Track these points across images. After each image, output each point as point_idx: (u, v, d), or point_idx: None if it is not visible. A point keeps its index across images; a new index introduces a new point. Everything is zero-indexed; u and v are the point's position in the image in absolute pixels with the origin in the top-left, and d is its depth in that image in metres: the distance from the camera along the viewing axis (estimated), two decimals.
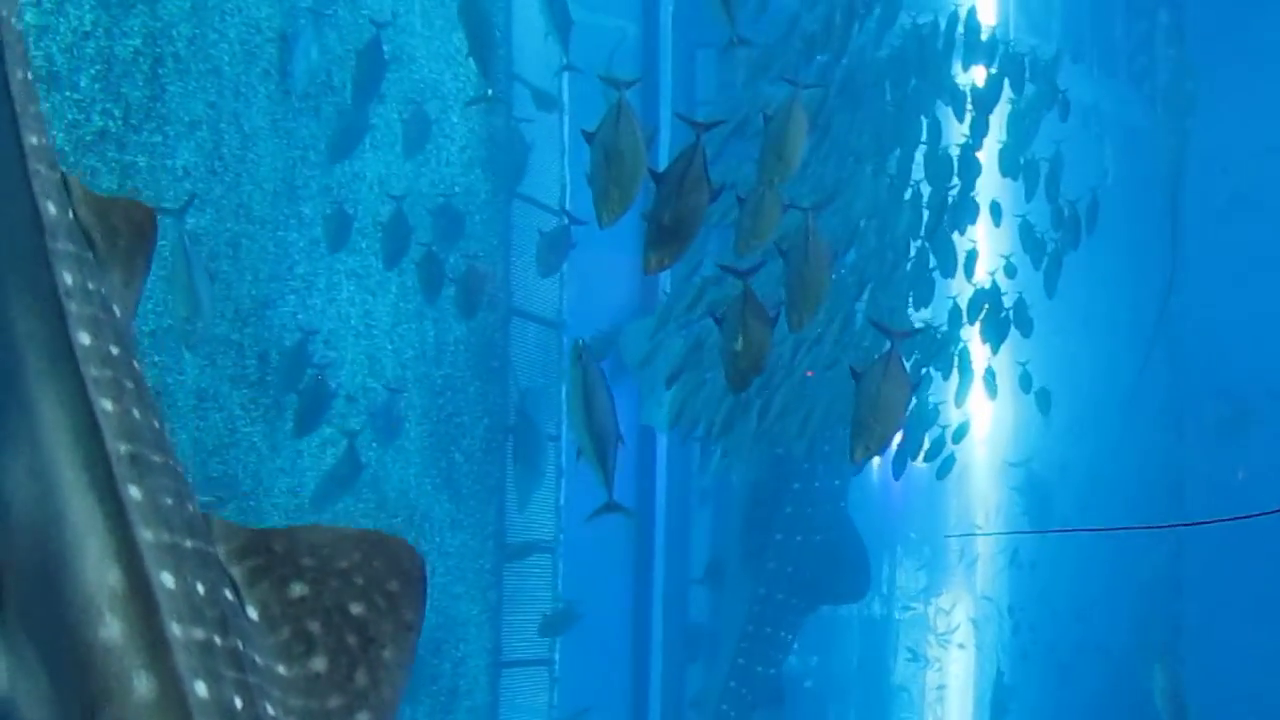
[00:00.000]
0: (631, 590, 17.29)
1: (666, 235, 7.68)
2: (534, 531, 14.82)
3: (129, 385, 3.10)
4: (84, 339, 3.04)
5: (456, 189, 13.86)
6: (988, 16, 19.65)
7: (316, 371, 11.56)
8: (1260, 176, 23.18)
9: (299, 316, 11.80)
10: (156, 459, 3.05)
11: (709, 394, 14.77)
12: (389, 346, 12.90)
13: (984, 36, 17.22)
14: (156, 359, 10.18)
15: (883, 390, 8.24)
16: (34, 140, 3.22)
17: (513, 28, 14.67)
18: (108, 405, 2.99)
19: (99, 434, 2.93)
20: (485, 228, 14.32)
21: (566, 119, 15.41)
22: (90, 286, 3.14)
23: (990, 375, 16.74)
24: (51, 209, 3.15)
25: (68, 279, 3.09)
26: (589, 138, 7.61)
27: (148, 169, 10.06)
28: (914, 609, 18.39)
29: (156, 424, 3.12)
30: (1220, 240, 23.20)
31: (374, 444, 12.73)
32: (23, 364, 2.99)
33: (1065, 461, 19.78)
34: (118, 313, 3.23)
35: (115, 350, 3.12)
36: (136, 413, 3.06)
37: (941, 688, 18.45)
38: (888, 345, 8.37)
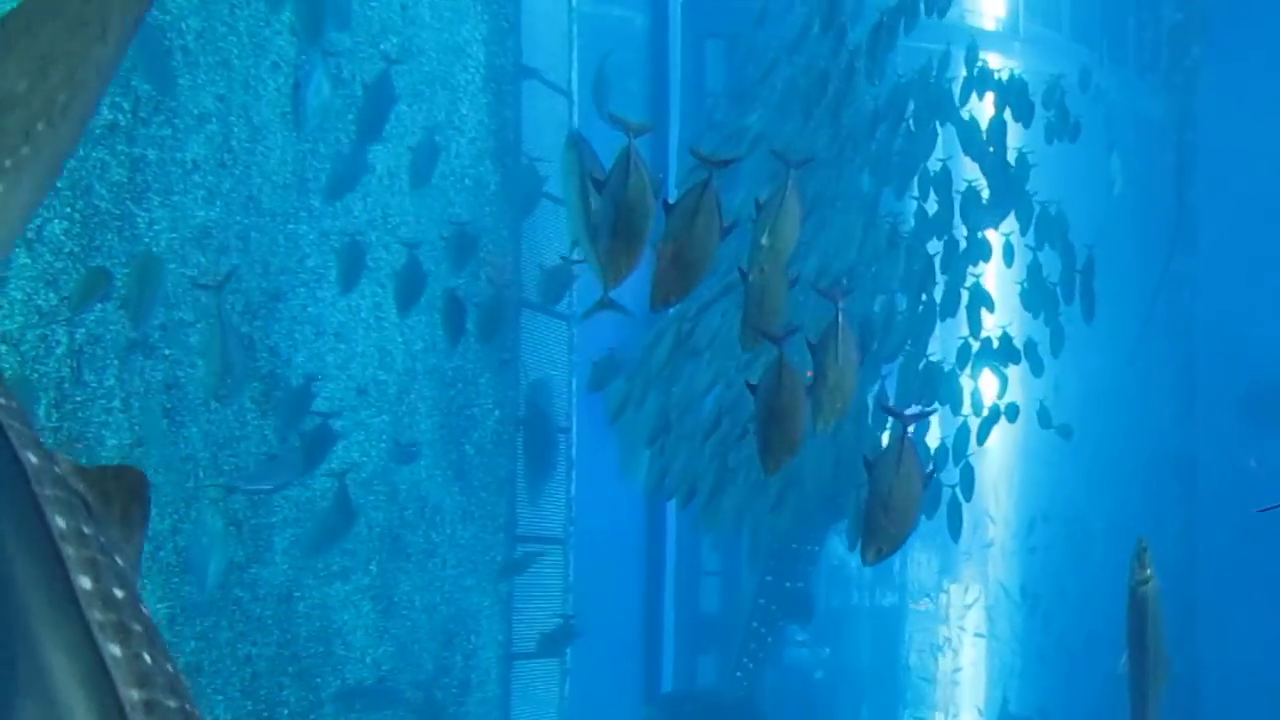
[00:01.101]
0: (643, 582, 17.31)
1: (676, 271, 7.40)
2: (545, 524, 14.81)
3: (137, 628, 3.05)
4: (85, 583, 3.00)
5: (467, 181, 13.85)
6: (998, 8, 19.61)
7: (321, 418, 11.52)
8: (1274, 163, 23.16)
9: (309, 309, 11.79)
10: (171, 704, 3.01)
11: (690, 458, 14.71)
12: (399, 339, 12.89)
13: (992, 67, 17.29)
14: (167, 352, 10.18)
15: (896, 487, 7.84)
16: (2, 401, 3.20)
17: (521, 17, 14.65)
18: (116, 650, 2.96)
19: (110, 681, 2.91)
20: (495, 220, 14.30)
21: (576, 110, 15.39)
22: (86, 531, 3.10)
23: (1011, 410, 16.83)
24: (33, 458, 3.12)
25: (61, 523, 3.05)
26: (597, 186, 7.34)
27: (157, 162, 10.06)
28: (927, 600, 18.32)
29: (169, 667, 3.08)
30: (1236, 230, 23.20)
31: (387, 436, 12.74)
32: (25, 611, 2.97)
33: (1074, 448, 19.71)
34: (118, 560, 3.20)
35: (119, 593, 3.08)
36: (147, 656, 3.02)
37: (957, 670, 18.38)
38: (899, 431, 7.99)
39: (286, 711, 11.62)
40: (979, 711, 18.97)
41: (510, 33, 14.50)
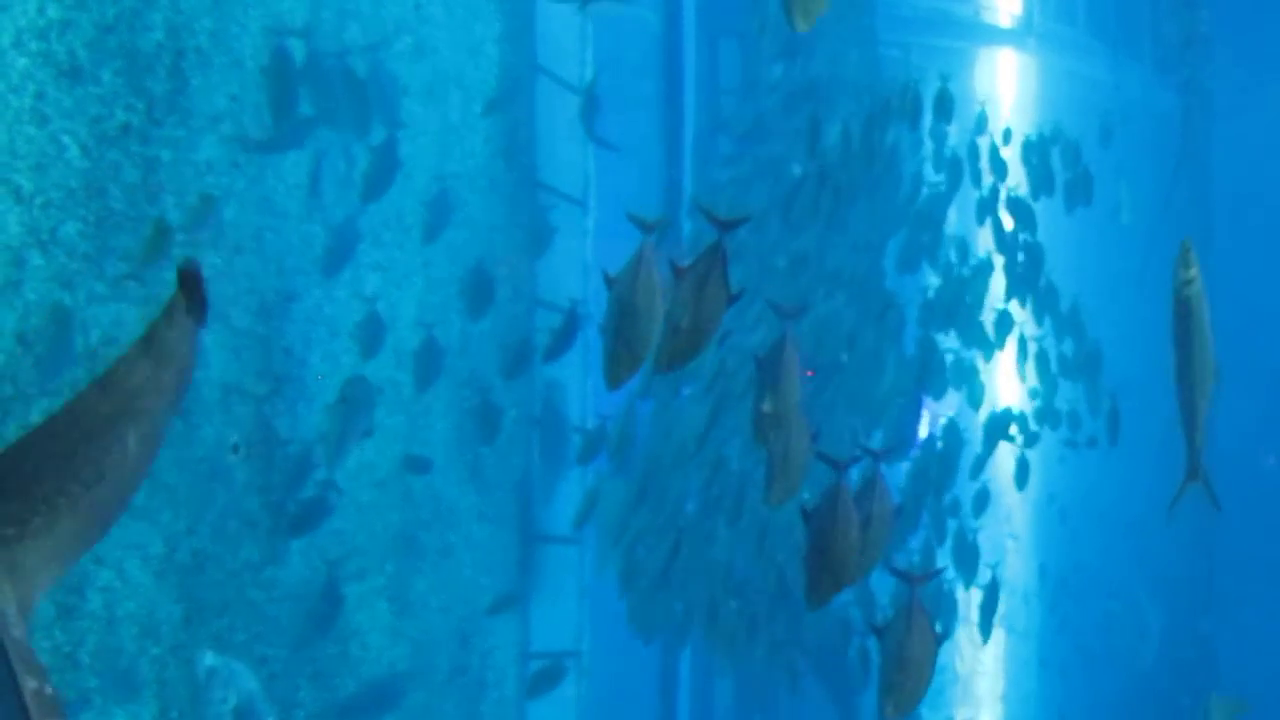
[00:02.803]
0: None
1: (681, 337, 7.29)
2: (560, 523, 14.78)
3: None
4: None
5: (481, 181, 13.84)
6: (1013, 5, 19.59)
7: (320, 487, 11.51)
8: None
9: (324, 310, 11.78)
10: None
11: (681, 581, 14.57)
12: (415, 337, 12.87)
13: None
14: None
15: (908, 647, 7.71)
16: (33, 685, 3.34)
17: (535, 16, 14.64)
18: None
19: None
20: (509, 220, 14.29)
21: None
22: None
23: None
24: None
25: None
26: (609, 283, 7.24)
27: (171, 163, 10.05)
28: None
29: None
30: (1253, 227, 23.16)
31: (402, 437, 12.73)
32: None
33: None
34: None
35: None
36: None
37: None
38: (909, 593, 7.84)
39: (303, 713, 11.61)
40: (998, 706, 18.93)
41: (524, 32, 14.49)
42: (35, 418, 8.96)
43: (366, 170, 12.04)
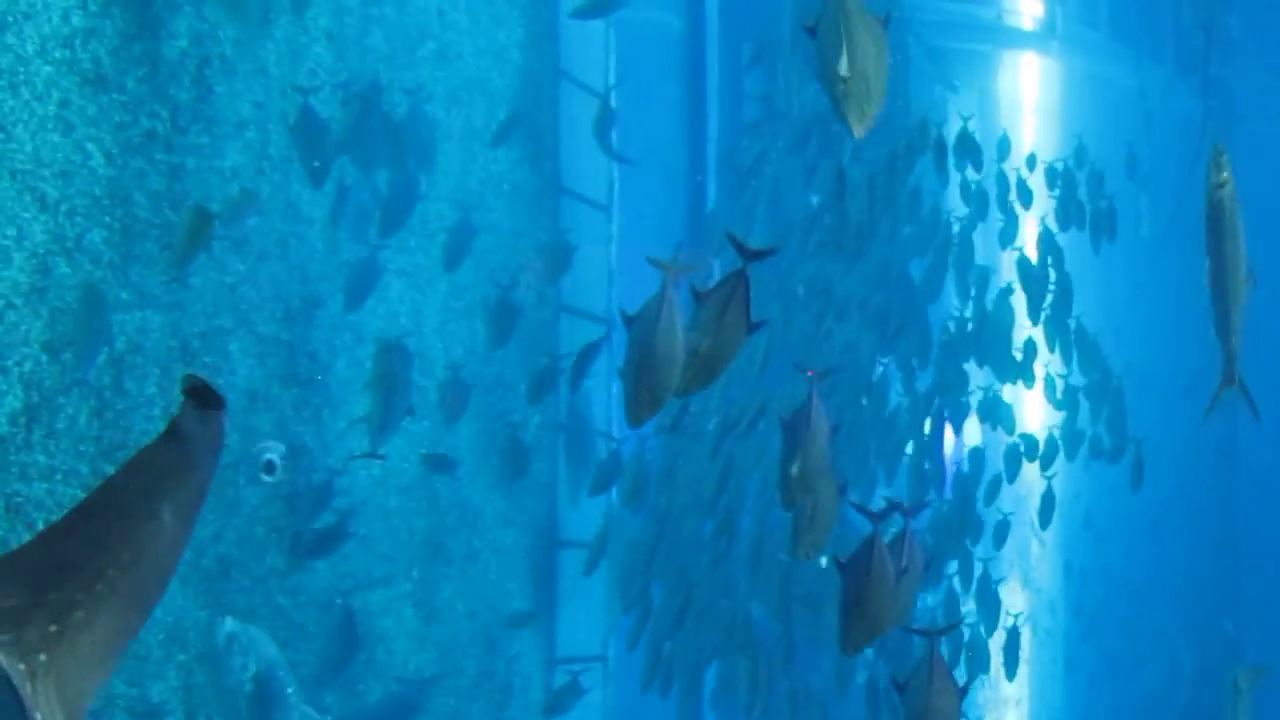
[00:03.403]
0: None
1: (699, 362, 7.16)
2: (586, 528, 14.77)
3: None
4: None
5: (505, 187, 13.85)
6: (1035, 7, 19.56)
7: (338, 516, 11.50)
8: None
9: (348, 315, 11.79)
10: None
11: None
12: (439, 344, 12.89)
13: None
14: (206, 360, 10.19)
15: (931, 702, 7.63)
16: None
17: (558, 22, 14.64)
18: None
19: None
20: (533, 224, 14.30)
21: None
22: None
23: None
24: None
25: None
26: (627, 323, 7.16)
27: (195, 170, 10.07)
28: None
29: None
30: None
31: (427, 443, 12.74)
32: None
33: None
34: None
35: None
36: None
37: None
38: (929, 648, 7.77)
39: (330, 718, 11.61)
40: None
41: (547, 37, 14.49)
42: (61, 424, 8.99)
43: (385, 204, 12.01)
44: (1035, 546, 18.77)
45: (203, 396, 3.58)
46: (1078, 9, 20.08)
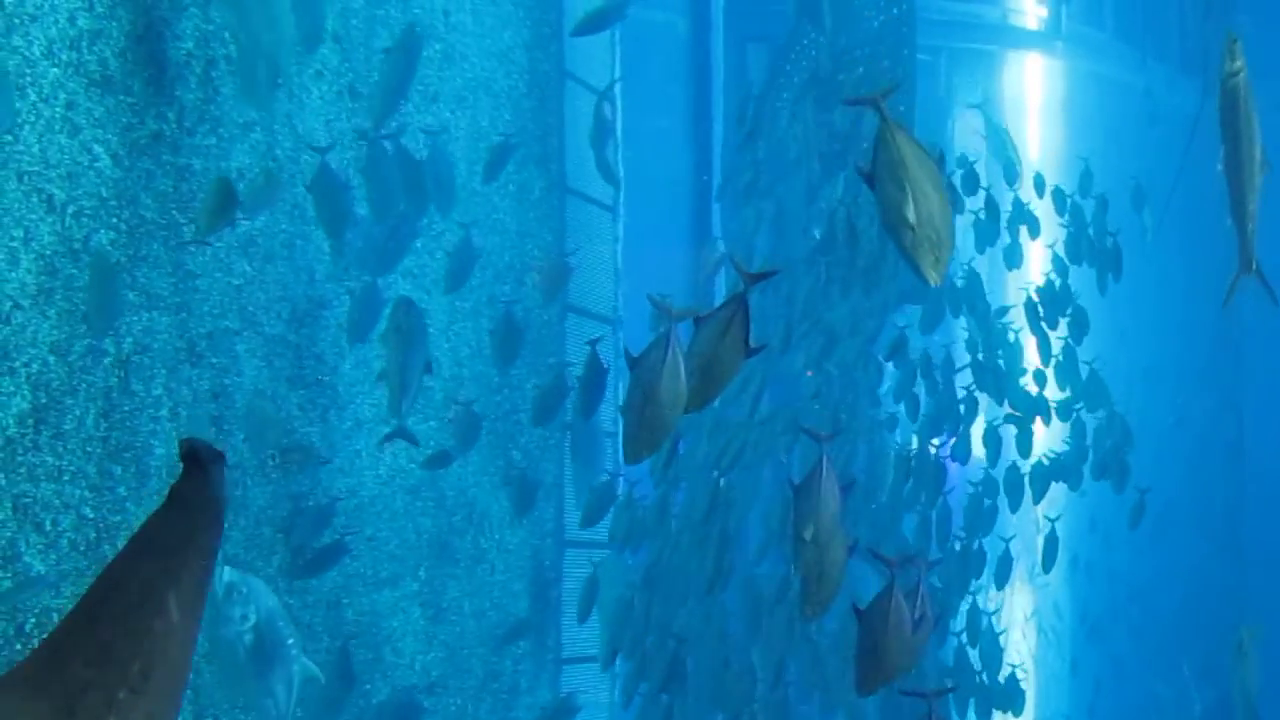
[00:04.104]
0: None
1: (694, 383, 7.15)
2: (594, 528, 14.79)
3: None
4: None
5: (511, 187, 13.87)
6: (1040, 7, 19.57)
7: (339, 535, 11.49)
8: None
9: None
10: None
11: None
12: (445, 344, 12.91)
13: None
14: (214, 361, 10.22)
15: None
16: None
17: (564, 23, 14.67)
18: None
19: None
20: (540, 224, 14.32)
21: (618, 113, 15.40)
22: None
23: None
24: None
25: None
26: (631, 364, 7.19)
27: (202, 171, 10.09)
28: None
29: None
30: None
31: (434, 443, 12.76)
32: None
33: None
34: None
35: None
36: None
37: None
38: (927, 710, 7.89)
39: (338, 719, 11.63)
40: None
41: (553, 38, 14.52)
42: (69, 425, 9.01)
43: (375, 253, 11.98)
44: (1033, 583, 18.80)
45: (201, 458, 3.53)
46: (1082, 9, 20.10)
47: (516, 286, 13.84)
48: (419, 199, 11.68)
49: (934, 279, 6.61)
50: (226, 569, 9.18)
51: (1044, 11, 19.59)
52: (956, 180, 15.60)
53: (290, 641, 8.96)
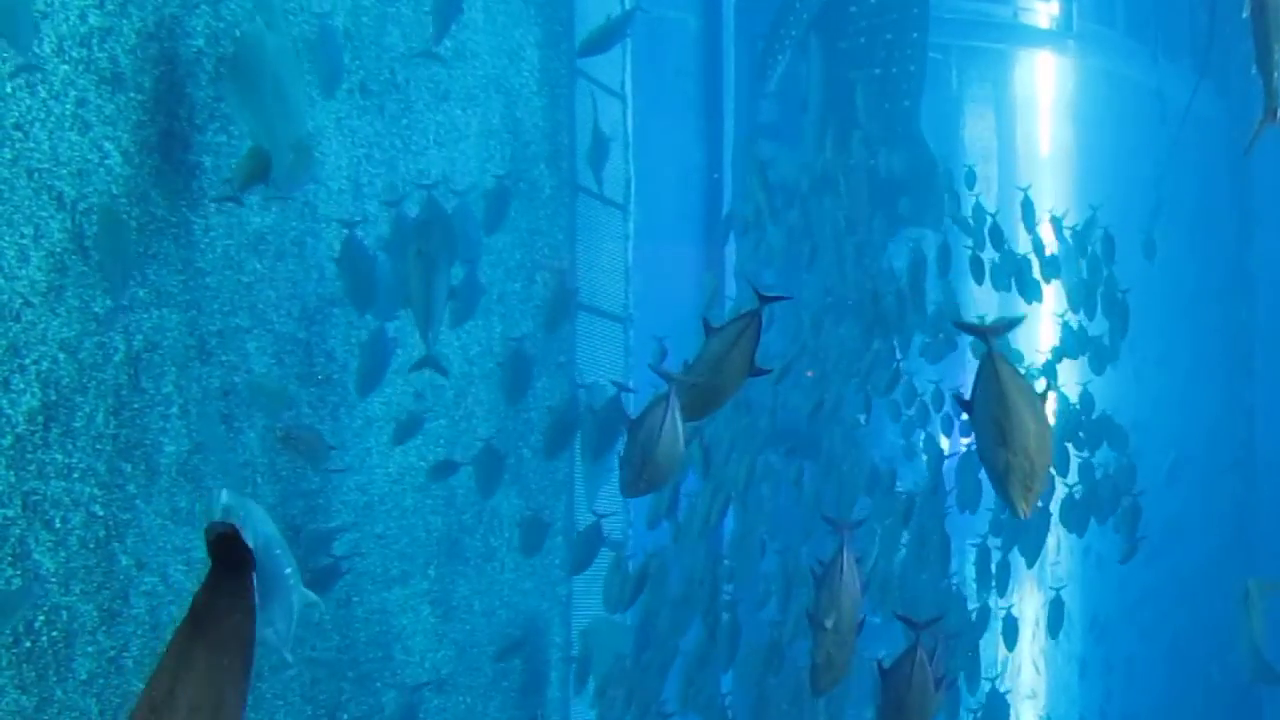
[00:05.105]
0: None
1: (695, 394, 7.26)
2: (605, 526, 14.78)
3: None
4: None
5: (522, 185, 13.87)
6: (1051, 5, 19.56)
7: (334, 559, 11.45)
8: None
9: (365, 315, 11.79)
10: None
11: None
12: (455, 342, 12.90)
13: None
14: (224, 358, 10.21)
15: None
16: None
17: (575, 21, 14.66)
18: None
19: None
20: (550, 223, 14.31)
21: (629, 112, 15.40)
22: None
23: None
24: None
25: None
26: (631, 426, 7.37)
27: (213, 169, 10.08)
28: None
29: None
30: None
31: (444, 441, 12.75)
32: None
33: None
34: None
35: None
36: None
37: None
38: None
39: (347, 716, 11.64)
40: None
41: (564, 36, 14.52)
42: (78, 422, 9.00)
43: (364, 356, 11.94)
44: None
45: (228, 553, 3.30)
46: (1094, 7, 20.08)
47: (527, 285, 13.83)
48: (448, 255, 11.63)
49: (1023, 512, 6.58)
50: (224, 492, 9.08)
51: (1055, 9, 19.56)
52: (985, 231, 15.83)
53: (289, 570, 8.84)
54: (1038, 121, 18.90)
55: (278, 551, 8.80)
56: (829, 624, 8.01)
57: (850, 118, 16.96)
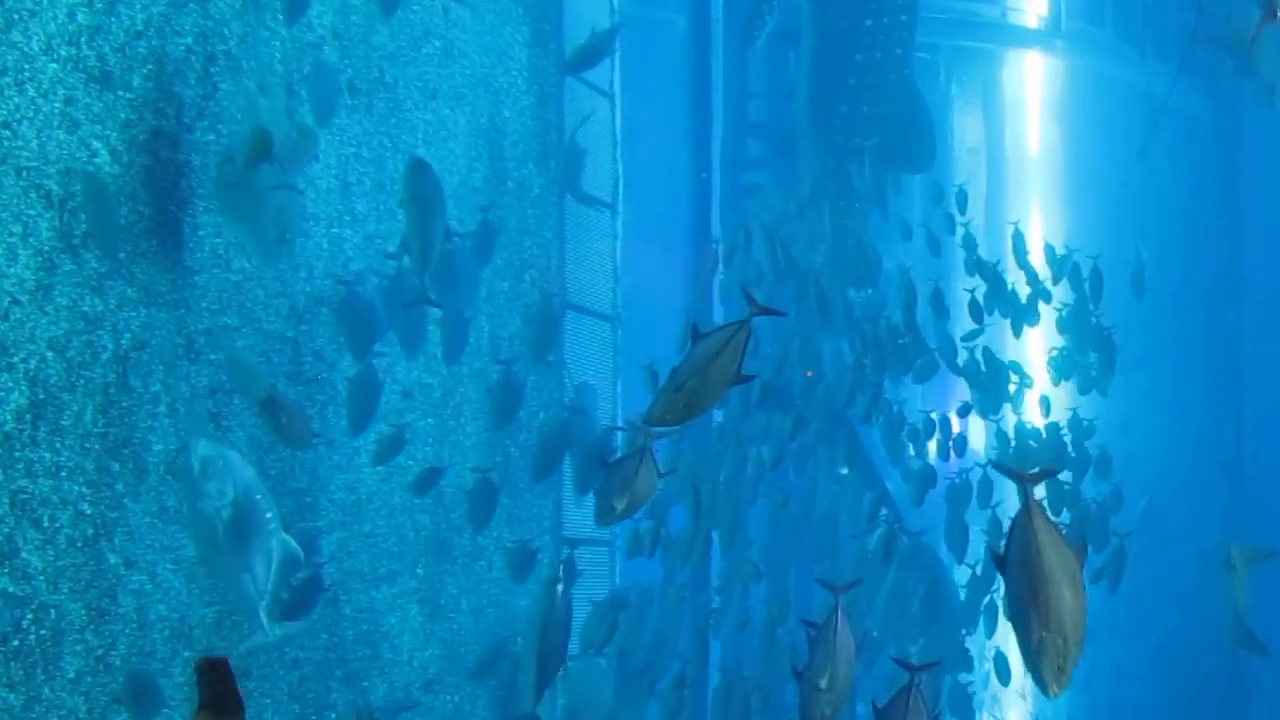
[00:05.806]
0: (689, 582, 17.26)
1: (680, 398, 7.21)
2: (591, 526, 14.79)
3: None
4: None
5: (510, 184, 13.87)
6: (1040, 5, 19.58)
7: (311, 570, 11.38)
8: None
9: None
10: None
11: None
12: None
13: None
14: (213, 357, 10.21)
15: None
16: None
17: (563, 20, 14.66)
18: None
19: None
20: (539, 222, 14.31)
21: (617, 112, 15.41)
22: None
23: None
24: None
25: None
26: (608, 470, 8.07)
27: (201, 168, 10.08)
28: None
29: None
30: None
31: (432, 440, 12.75)
32: None
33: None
34: None
35: None
36: None
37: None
38: None
39: (334, 715, 11.63)
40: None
41: (552, 35, 14.52)
42: (67, 421, 9.00)
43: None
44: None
45: (217, 689, 3.19)
46: (1082, 7, 20.10)
47: (515, 284, 13.83)
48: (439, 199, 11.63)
49: (1054, 691, 6.26)
50: (202, 441, 9.05)
51: (1044, 9, 19.58)
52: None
53: (269, 516, 8.81)
54: (1026, 121, 18.90)
55: (258, 496, 8.79)
56: (823, 684, 8.00)
57: (840, 70, 17.01)
